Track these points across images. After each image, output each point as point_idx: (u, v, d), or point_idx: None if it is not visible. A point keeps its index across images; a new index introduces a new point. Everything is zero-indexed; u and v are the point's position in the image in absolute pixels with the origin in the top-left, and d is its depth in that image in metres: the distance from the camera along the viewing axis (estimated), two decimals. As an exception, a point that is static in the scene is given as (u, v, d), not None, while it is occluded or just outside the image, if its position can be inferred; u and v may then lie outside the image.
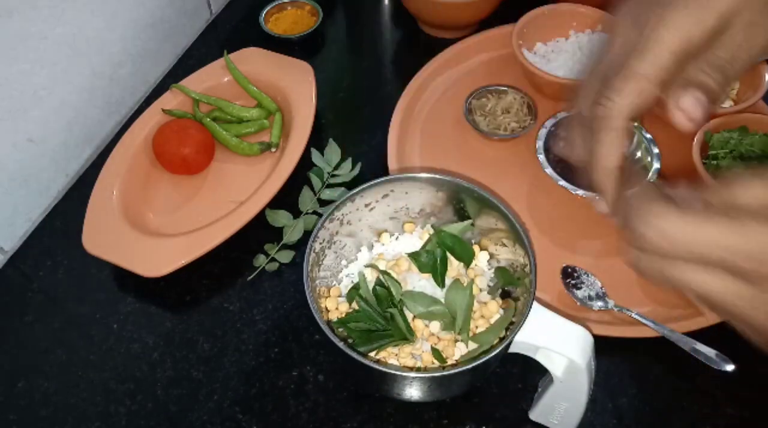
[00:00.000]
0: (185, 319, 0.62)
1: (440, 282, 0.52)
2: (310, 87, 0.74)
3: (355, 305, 0.52)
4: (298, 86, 0.74)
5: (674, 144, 0.70)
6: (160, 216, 0.69)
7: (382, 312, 0.51)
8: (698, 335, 0.57)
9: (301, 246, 0.66)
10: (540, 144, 0.68)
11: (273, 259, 0.65)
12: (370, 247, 0.58)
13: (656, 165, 0.66)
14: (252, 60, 0.77)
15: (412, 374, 0.46)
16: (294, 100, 0.73)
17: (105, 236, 0.63)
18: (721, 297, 0.29)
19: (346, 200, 0.52)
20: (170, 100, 0.74)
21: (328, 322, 0.52)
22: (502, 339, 0.48)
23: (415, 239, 0.57)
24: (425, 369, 0.49)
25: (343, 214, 0.53)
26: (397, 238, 0.58)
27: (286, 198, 0.67)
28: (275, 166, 0.69)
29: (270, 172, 0.68)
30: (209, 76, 0.77)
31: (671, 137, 0.71)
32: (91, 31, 0.70)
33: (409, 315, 0.51)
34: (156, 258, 0.62)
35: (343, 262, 0.57)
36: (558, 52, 0.78)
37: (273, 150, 0.72)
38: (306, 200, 0.68)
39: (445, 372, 0.45)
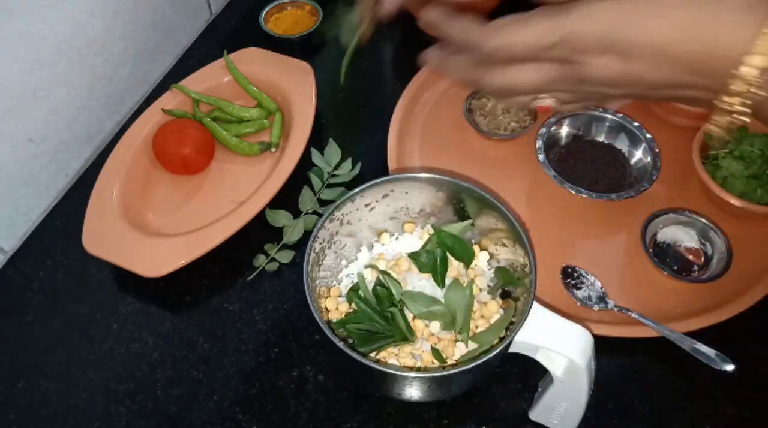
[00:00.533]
0: (185, 319, 0.62)
1: (440, 282, 0.52)
2: (310, 87, 0.74)
3: (354, 305, 0.52)
4: (298, 86, 0.74)
5: (674, 144, 0.70)
6: (160, 217, 0.69)
7: (382, 312, 0.51)
8: (698, 335, 0.57)
9: (301, 246, 0.66)
10: (540, 144, 0.68)
11: (273, 259, 0.65)
12: (370, 247, 0.58)
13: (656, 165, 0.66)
14: (252, 60, 0.77)
15: (412, 374, 0.46)
16: (294, 100, 0.73)
17: (105, 236, 0.63)
18: (541, 82, 0.39)
19: (346, 200, 0.52)
20: (170, 100, 0.74)
21: (328, 322, 0.52)
22: (502, 339, 0.48)
23: (415, 239, 0.57)
24: (425, 369, 0.49)
25: (343, 214, 0.53)
26: (397, 238, 0.58)
27: (286, 198, 0.67)
28: (275, 165, 0.68)
29: (270, 171, 0.68)
30: (209, 75, 0.77)
31: (671, 137, 0.71)
32: (91, 31, 0.70)
33: (409, 315, 0.51)
34: (156, 258, 0.62)
35: (343, 262, 0.57)
36: (558, 52, 0.78)
37: (273, 150, 0.72)
38: (306, 200, 0.68)
39: (445, 372, 0.45)
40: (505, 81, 0.39)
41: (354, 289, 0.53)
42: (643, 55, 0.34)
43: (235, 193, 0.69)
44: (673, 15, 0.33)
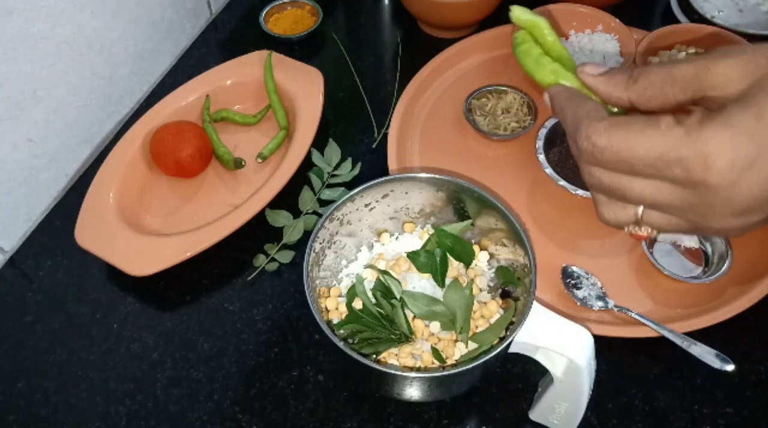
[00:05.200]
0: (185, 319, 0.62)
1: (440, 282, 0.52)
2: (317, 94, 0.73)
3: (355, 304, 0.52)
4: (306, 92, 0.74)
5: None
6: (156, 217, 0.69)
7: (381, 315, 0.51)
8: (698, 335, 0.57)
9: (301, 246, 0.66)
10: (540, 144, 0.68)
11: (273, 259, 0.65)
12: (370, 247, 0.58)
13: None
14: (260, 63, 0.77)
15: (412, 374, 0.46)
16: (300, 106, 0.73)
17: (98, 232, 0.63)
18: (657, 202, 0.31)
19: (346, 200, 0.52)
20: (173, 100, 0.74)
21: (328, 322, 0.52)
22: (502, 339, 0.48)
23: (415, 239, 0.57)
24: (425, 369, 0.49)
25: (343, 214, 0.53)
26: (397, 238, 0.58)
27: (286, 198, 0.67)
28: (274, 171, 0.68)
29: (268, 177, 0.68)
30: (215, 77, 0.76)
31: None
32: (91, 31, 0.70)
33: (409, 315, 0.51)
34: (146, 257, 0.62)
35: (343, 262, 0.57)
36: (558, 52, 0.78)
37: (259, 160, 0.71)
38: (306, 200, 0.68)
39: (445, 372, 0.45)
40: (612, 184, 0.31)
41: (349, 303, 0.52)
42: None
43: (232, 197, 0.68)
44: None
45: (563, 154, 0.70)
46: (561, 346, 0.45)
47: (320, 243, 0.52)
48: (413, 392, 0.49)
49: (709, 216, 0.30)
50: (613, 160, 0.30)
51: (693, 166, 0.28)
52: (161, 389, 0.58)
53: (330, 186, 0.70)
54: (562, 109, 0.34)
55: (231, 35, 0.88)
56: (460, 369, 0.44)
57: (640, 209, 0.32)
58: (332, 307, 0.53)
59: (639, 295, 0.62)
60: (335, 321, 0.52)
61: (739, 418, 0.55)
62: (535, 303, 0.46)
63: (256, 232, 0.66)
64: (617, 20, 0.77)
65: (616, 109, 0.35)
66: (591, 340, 0.46)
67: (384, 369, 0.45)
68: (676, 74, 0.30)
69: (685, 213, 0.31)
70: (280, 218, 0.67)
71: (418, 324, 0.51)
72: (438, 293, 0.52)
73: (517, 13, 0.38)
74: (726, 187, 0.28)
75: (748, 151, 0.27)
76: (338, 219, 0.53)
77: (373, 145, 0.75)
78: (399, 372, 0.45)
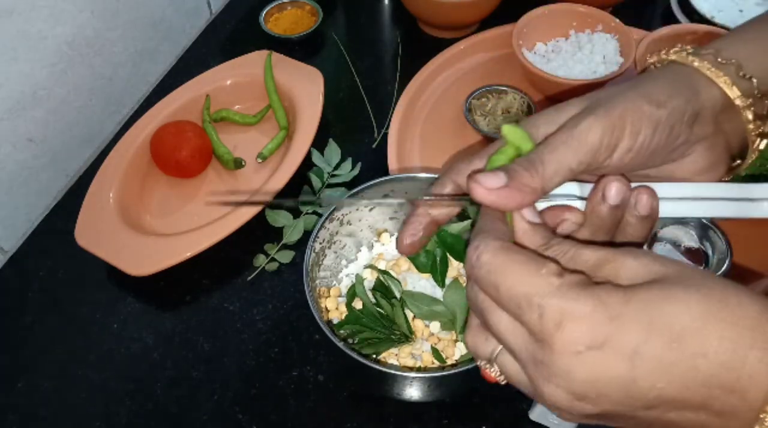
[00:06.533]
0: (185, 319, 0.62)
1: (441, 282, 0.52)
2: (317, 94, 0.73)
3: (355, 304, 0.52)
4: (306, 92, 0.74)
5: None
6: (156, 217, 0.69)
7: (381, 315, 0.51)
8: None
9: (301, 246, 0.66)
10: (540, 144, 0.68)
11: (273, 259, 0.65)
12: (370, 247, 0.58)
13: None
14: (260, 63, 0.77)
15: (412, 374, 0.46)
16: (301, 106, 0.73)
17: (98, 231, 0.63)
18: (508, 343, 0.30)
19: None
20: (173, 100, 0.74)
21: (328, 322, 0.52)
22: (502, 339, 0.48)
23: (415, 239, 0.57)
24: (425, 369, 0.49)
25: (343, 214, 0.53)
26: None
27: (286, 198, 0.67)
28: (274, 171, 0.68)
29: (268, 177, 0.68)
30: (215, 77, 0.76)
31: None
32: (91, 31, 0.70)
33: (409, 315, 0.51)
34: (146, 256, 0.62)
35: (343, 262, 0.57)
36: (558, 52, 0.78)
37: (259, 160, 0.72)
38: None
39: (445, 372, 0.45)
40: (481, 304, 0.31)
41: (349, 303, 0.52)
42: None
43: (232, 198, 0.68)
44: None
45: (563, 154, 0.70)
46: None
47: (320, 243, 0.52)
48: (413, 392, 0.49)
49: (543, 381, 0.29)
50: (485, 280, 0.30)
51: (548, 318, 0.27)
52: (161, 389, 0.58)
53: (330, 186, 0.70)
54: (480, 215, 0.33)
55: (231, 35, 0.88)
56: (460, 369, 0.44)
57: (498, 349, 0.32)
58: (332, 307, 0.53)
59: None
60: (335, 321, 0.52)
61: (739, 418, 0.55)
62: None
63: (256, 232, 0.66)
64: (617, 20, 0.77)
65: None
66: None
67: (384, 369, 0.45)
68: (578, 258, 0.30)
69: (526, 366, 0.30)
70: (280, 218, 0.67)
71: (418, 324, 0.51)
72: (438, 293, 0.52)
73: (506, 131, 0.31)
74: (567, 356, 0.27)
75: (602, 330, 0.27)
76: (338, 219, 0.53)
77: (373, 145, 0.75)
78: (399, 372, 0.45)
